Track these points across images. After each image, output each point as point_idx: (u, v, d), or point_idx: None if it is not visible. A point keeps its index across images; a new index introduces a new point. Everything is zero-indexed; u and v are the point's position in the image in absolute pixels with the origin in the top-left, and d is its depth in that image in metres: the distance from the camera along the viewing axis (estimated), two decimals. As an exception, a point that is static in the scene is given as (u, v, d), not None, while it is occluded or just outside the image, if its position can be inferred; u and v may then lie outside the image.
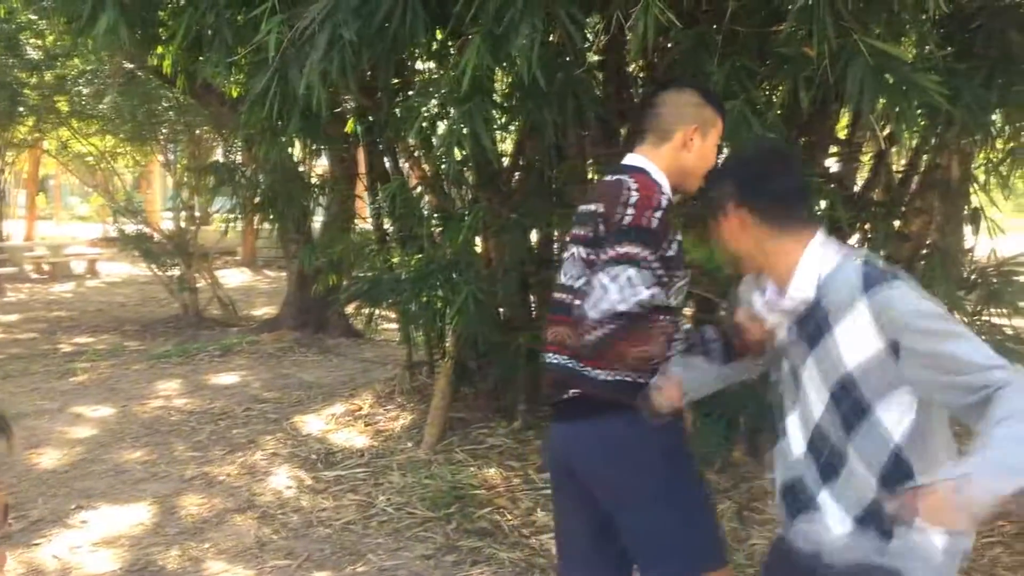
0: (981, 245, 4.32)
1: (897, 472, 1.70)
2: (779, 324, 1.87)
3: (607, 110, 4.52)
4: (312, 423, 5.48)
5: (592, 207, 2.09)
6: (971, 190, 4.28)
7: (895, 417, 1.71)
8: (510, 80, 3.66)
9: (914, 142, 4.20)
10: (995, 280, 3.87)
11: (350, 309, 7.10)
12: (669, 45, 3.79)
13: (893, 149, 4.60)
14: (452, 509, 3.99)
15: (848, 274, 1.73)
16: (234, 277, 14.56)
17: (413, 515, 3.97)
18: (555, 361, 2.16)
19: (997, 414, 1.52)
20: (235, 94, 5.81)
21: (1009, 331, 3.88)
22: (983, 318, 3.93)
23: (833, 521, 1.79)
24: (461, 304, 4.37)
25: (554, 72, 3.34)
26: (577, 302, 2.02)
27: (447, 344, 5.05)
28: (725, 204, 1.89)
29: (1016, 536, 3.97)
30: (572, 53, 3.30)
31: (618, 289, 1.90)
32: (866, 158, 4.71)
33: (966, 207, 4.39)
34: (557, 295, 2.19)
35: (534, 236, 5.04)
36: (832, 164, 4.49)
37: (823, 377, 1.77)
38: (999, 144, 4.06)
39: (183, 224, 10.20)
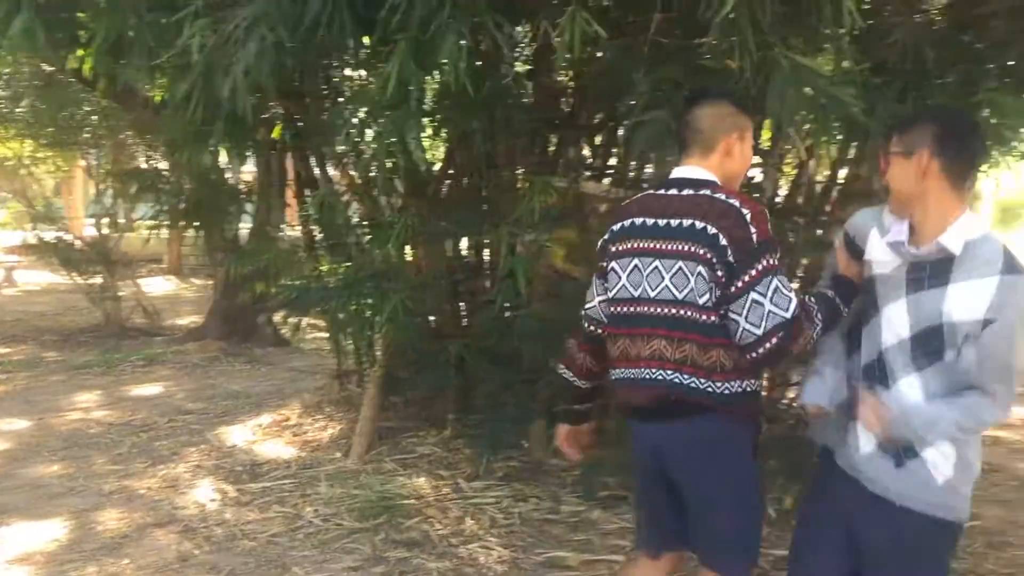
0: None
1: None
2: (887, 262, 2.15)
3: (537, 119, 4.56)
4: (238, 434, 5.38)
5: (682, 222, 2.24)
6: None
7: (961, 368, 2.05)
8: (438, 88, 3.65)
9: (834, 153, 4.30)
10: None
11: (278, 318, 7.00)
12: (598, 55, 3.82)
13: (813, 160, 4.72)
14: (380, 520, 3.96)
15: (994, 249, 2.03)
16: (159, 285, 14.23)
17: (340, 526, 3.92)
18: (653, 376, 2.28)
19: (963, 403, 2.03)
20: (159, 99, 5.68)
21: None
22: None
23: (863, 442, 2.18)
24: (390, 313, 4.34)
25: (482, 80, 3.34)
26: (712, 319, 2.20)
27: (377, 353, 5.01)
28: (919, 148, 2.06)
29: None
30: (500, 62, 3.30)
31: (775, 302, 2.15)
32: (788, 168, 4.80)
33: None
34: (644, 309, 2.29)
35: (465, 244, 5.05)
36: (755, 174, 4.57)
37: (911, 316, 2.09)
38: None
39: (105, 231, 9.94)
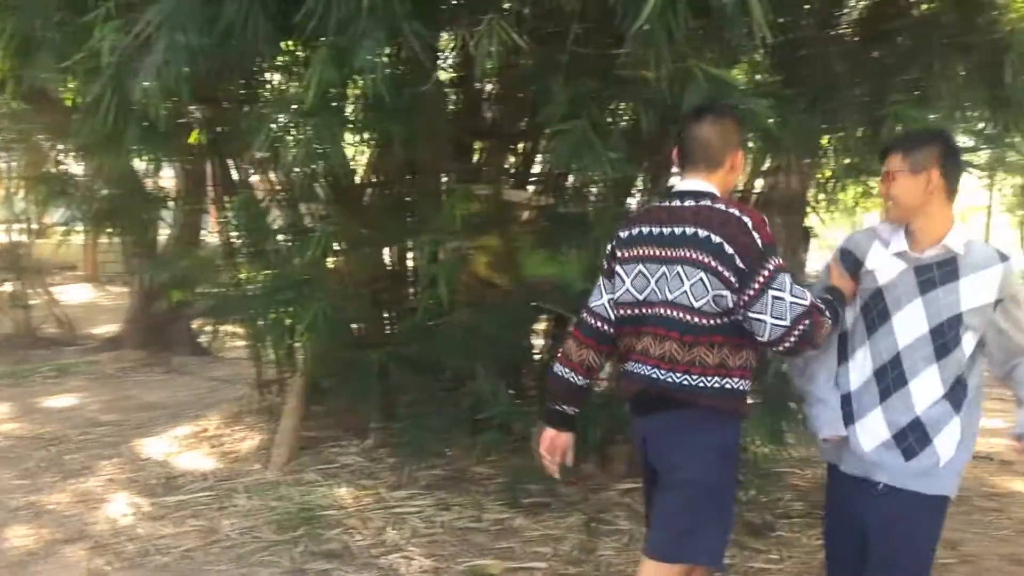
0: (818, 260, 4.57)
1: (958, 387, 2.40)
2: (892, 269, 2.40)
3: (459, 126, 4.56)
4: (154, 446, 5.24)
5: (684, 230, 2.37)
6: (807, 209, 4.53)
7: (966, 352, 2.37)
8: (358, 94, 3.62)
9: (751, 164, 4.40)
10: (824, 294, 4.07)
11: (198, 326, 6.86)
12: (519, 64, 3.83)
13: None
14: (300, 531, 3.89)
15: (984, 245, 2.42)
16: (75, 293, 13.78)
17: (259, 539, 3.85)
18: (638, 371, 2.45)
19: None
20: (70, 102, 5.52)
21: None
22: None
23: (864, 442, 2.43)
24: (311, 321, 4.29)
25: (402, 88, 3.33)
26: (697, 320, 2.35)
27: (298, 362, 4.94)
28: (928, 167, 2.35)
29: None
30: (420, 69, 3.29)
31: (794, 294, 2.30)
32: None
33: (805, 225, 4.64)
34: (645, 311, 2.45)
35: (389, 252, 5.02)
36: (676, 183, 4.65)
37: (928, 314, 2.37)
38: (828, 166, 4.32)
39: (17, 237, 9.61)
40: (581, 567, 3.72)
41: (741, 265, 2.29)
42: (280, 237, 4.65)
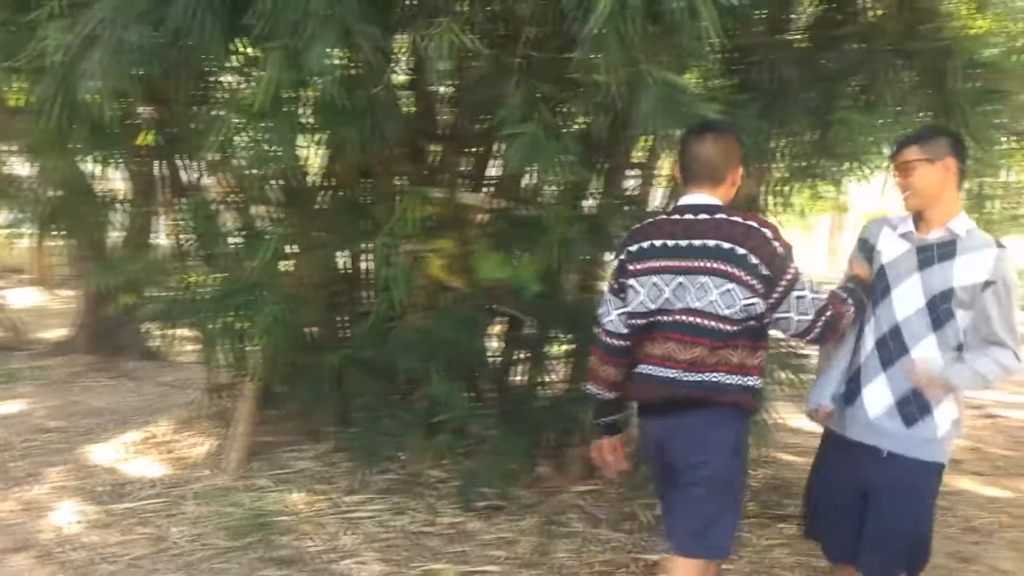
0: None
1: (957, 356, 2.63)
2: (897, 249, 2.68)
3: (414, 129, 4.54)
4: (103, 453, 5.14)
5: (706, 243, 2.55)
6: (760, 211, 4.56)
7: (960, 327, 2.60)
8: (311, 96, 3.59)
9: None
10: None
11: (148, 330, 6.75)
12: (473, 67, 3.83)
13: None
14: (253, 538, 3.85)
15: (985, 234, 2.64)
16: (23, 297, 13.49)
17: (209, 546, 3.80)
18: (664, 375, 2.62)
19: (991, 354, 2.58)
20: (16, 102, 5.41)
21: (784, 344, 4.15)
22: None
23: (871, 411, 2.68)
24: (264, 325, 4.25)
25: (355, 90, 3.31)
26: (725, 327, 2.53)
27: (251, 366, 4.88)
28: (945, 156, 2.62)
29: (794, 538, 4.25)
30: (373, 72, 3.27)
31: (814, 291, 2.57)
32: (663, 181, 4.92)
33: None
34: (662, 318, 2.61)
35: (345, 255, 4.98)
36: (630, 186, 4.68)
37: (924, 288, 2.61)
38: (780, 169, 4.36)
39: (-39, 240, 9.37)
40: (536, 569, 3.73)
41: (767, 272, 2.51)
42: (232, 240, 4.59)
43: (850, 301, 2.68)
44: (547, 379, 4.64)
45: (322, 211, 4.71)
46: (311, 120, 3.81)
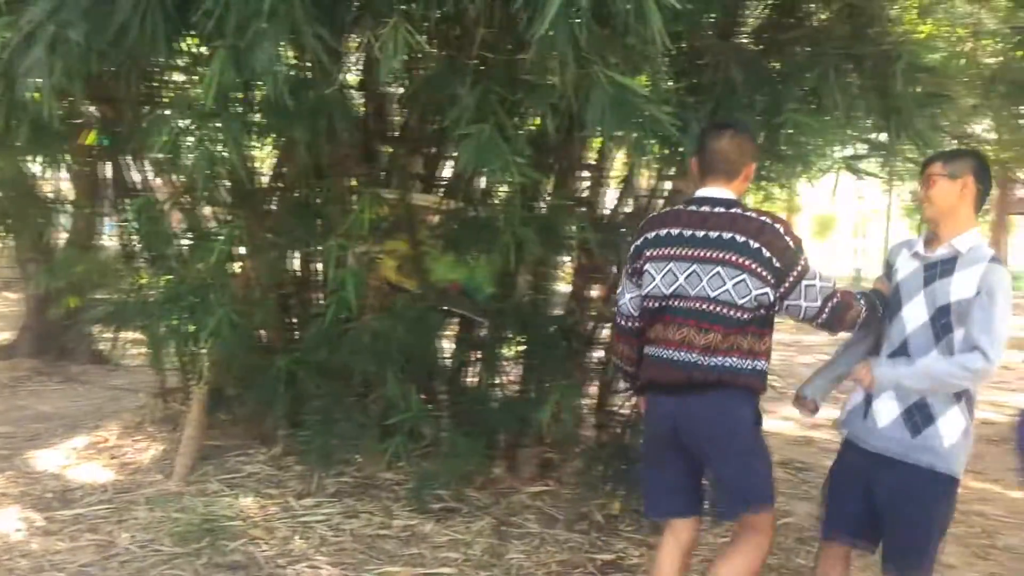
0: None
1: None
2: (909, 267, 2.82)
3: (367, 130, 4.52)
4: (49, 458, 5.03)
5: (722, 235, 2.73)
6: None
7: (957, 339, 2.68)
8: (259, 96, 3.55)
9: (655, 168, 4.47)
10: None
11: (96, 333, 6.63)
12: (425, 68, 3.82)
13: (641, 174, 4.89)
14: (203, 543, 3.79)
15: (984, 250, 2.74)
16: (-34, 300, 13.20)
17: (159, 552, 3.73)
18: (681, 358, 2.77)
19: (958, 358, 2.64)
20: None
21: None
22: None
23: (880, 419, 2.79)
24: (215, 327, 4.19)
25: (304, 90, 3.28)
26: (738, 315, 2.71)
27: (202, 369, 4.81)
28: (964, 174, 2.76)
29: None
30: (323, 72, 3.24)
31: (822, 280, 2.78)
32: (614, 182, 4.95)
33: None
34: (677, 303, 2.78)
35: (297, 256, 4.94)
36: (582, 188, 4.69)
37: (928, 304, 2.73)
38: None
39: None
40: (491, 571, 3.72)
41: (778, 265, 2.71)
42: (180, 241, 4.53)
43: (861, 298, 2.86)
44: (501, 380, 4.63)
45: (273, 212, 4.66)
46: (260, 120, 3.76)
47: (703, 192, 2.86)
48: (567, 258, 4.74)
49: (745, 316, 2.73)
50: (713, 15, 3.85)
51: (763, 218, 2.75)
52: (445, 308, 4.58)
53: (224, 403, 4.95)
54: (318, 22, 2.87)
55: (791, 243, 2.73)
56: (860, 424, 2.88)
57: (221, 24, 2.81)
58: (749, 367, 2.76)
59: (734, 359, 2.74)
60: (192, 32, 3.20)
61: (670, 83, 3.46)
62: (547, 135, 3.59)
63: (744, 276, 2.70)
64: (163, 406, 5.42)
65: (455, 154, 4.20)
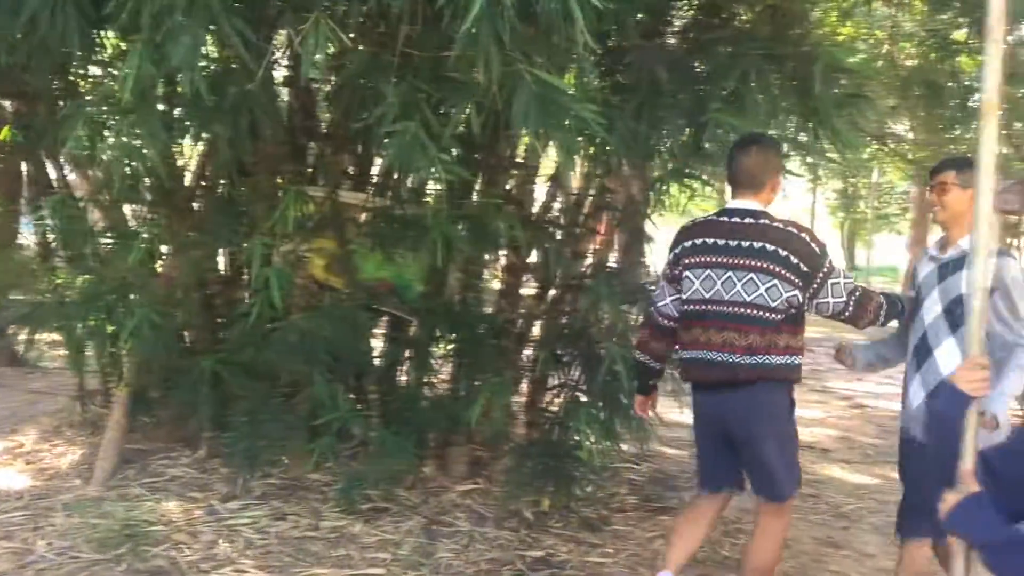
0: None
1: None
2: (926, 269, 3.11)
3: (293, 127, 4.45)
4: (-36, 465, 4.86)
5: (753, 244, 3.03)
6: (641, 212, 4.64)
7: None
8: (181, 91, 3.47)
9: (583, 167, 4.50)
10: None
11: (13, 335, 6.42)
12: (350, 64, 3.77)
13: (572, 173, 4.91)
14: (123, 549, 3.69)
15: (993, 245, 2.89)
16: None
17: (78, 559, 3.63)
18: (725, 359, 3.06)
19: (1018, 358, 2.93)
20: None
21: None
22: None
23: (915, 397, 3.05)
24: (135, 328, 4.09)
25: (226, 86, 3.21)
26: (773, 316, 3.01)
27: (123, 371, 4.70)
28: (974, 183, 2.90)
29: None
30: (244, 67, 3.18)
31: (845, 278, 3.14)
32: (543, 181, 4.96)
33: (640, 227, 4.77)
34: (717, 308, 3.07)
35: (222, 255, 4.85)
36: (512, 186, 4.70)
37: (942, 298, 3.00)
38: (656, 170, 4.44)
39: None
40: (419, 571, 3.71)
41: (805, 269, 3.02)
42: (100, 240, 4.41)
43: (881, 298, 3.19)
44: (432, 379, 4.61)
45: (196, 210, 4.56)
46: (180, 116, 3.68)
47: (733, 204, 3.16)
48: (497, 256, 4.74)
49: (779, 317, 3.03)
50: (639, 15, 3.88)
51: (789, 228, 3.07)
52: (374, 307, 4.54)
53: (146, 405, 4.83)
54: (237, 16, 2.81)
55: (816, 249, 3.06)
56: (903, 411, 3.17)
57: (136, 17, 2.73)
58: (786, 362, 3.08)
59: (772, 356, 3.04)
60: (108, 25, 3.10)
61: (596, 82, 3.48)
62: (475, 133, 3.58)
63: (775, 281, 3.00)
64: (83, 409, 5.27)
65: (383, 151, 4.17)
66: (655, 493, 4.83)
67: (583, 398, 4.23)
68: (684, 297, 3.17)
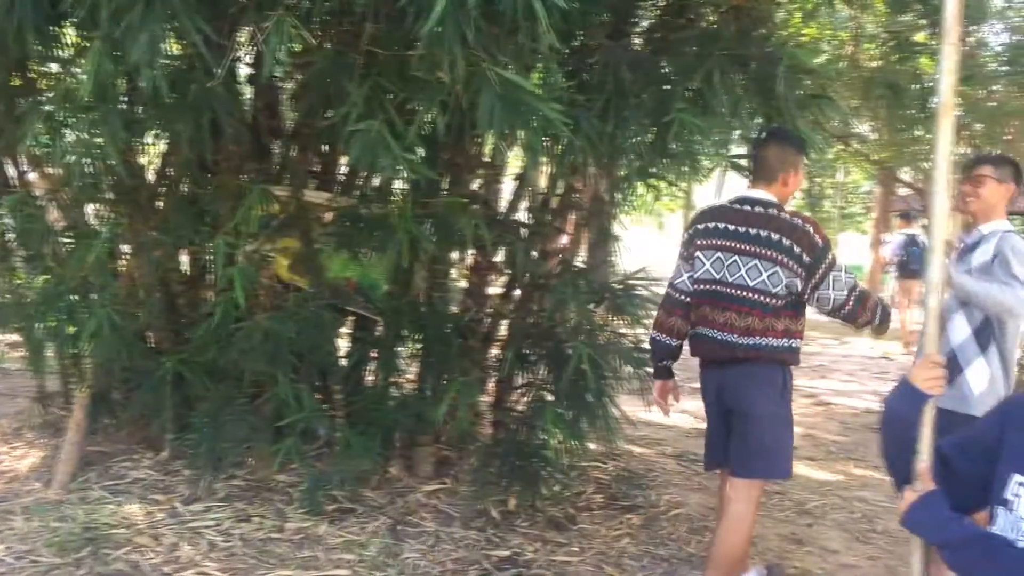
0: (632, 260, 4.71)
1: (982, 333, 3.44)
2: (953, 260, 3.53)
3: (257, 125, 4.41)
4: (-81, 469, 4.76)
5: (759, 232, 3.26)
6: (611, 211, 4.65)
7: None
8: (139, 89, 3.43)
9: (550, 167, 4.49)
10: (619, 294, 4.23)
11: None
12: (312, 63, 3.74)
13: (538, 172, 4.90)
14: (84, 553, 3.64)
15: (1002, 225, 3.49)
16: None
17: (37, 563, 3.57)
18: (724, 338, 3.33)
19: (987, 286, 3.34)
20: None
21: (630, 339, 4.26)
22: (610, 328, 4.28)
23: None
24: (96, 329, 4.04)
25: (187, 84, 3.18)
26: (773, 302, 3.25)
27: (84, 372, 4.63)
28: (1008, 179, 3.48)
29: (641, 528, 4.37)
30: (205, 65, 3.15)
31: (847, 273, 3.29)
32: (510, 179, 4.95)
33: (606, 226, 4.78)
34: (722, 289, 3.33)
35: (184, 255, 4.79)
36: (477, 185, 4.69)
37: (960, 273, 3.37)
38: (622, 169, 4.46)
39: None
40: (385, 571, 3.69)
41: (807, 259, 3.21)
42: (60, 239, 4.34)
43: (879, 297, 3.47)
44: (397, 379, 4.59)
45: (159, 209, 4.50)
46: (140, 114, 3.63)
47: (748, 193, 3.39)
48: (464, 255, 4.73)
49: (779, 303, 3.25)
50: (604, 15, 3.88)
51: (796, 220, 3.25)
52: (340, 306, 4.51)
53: (108, 407, 4.77)
54: (198, 13, 2.78)
55: (820, 241, 3.23)
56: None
57: (95, 13, 2.69)
58: (784, 345, 3.29)
59: (769, 339, 3.25)
60: (66, 21, 3.05)
61: (561, 82, 3.48)
62: (440, 132, 3.57)
63: (777, 268, 3.22)
64: (43, 411, 5.18)
65: (347, 150, 4.14)
66: (622, 492, 4.84)
67: (550, 397, 4.23)
68: (695, 276, 3.43)
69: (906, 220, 12.16)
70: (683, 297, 3.54)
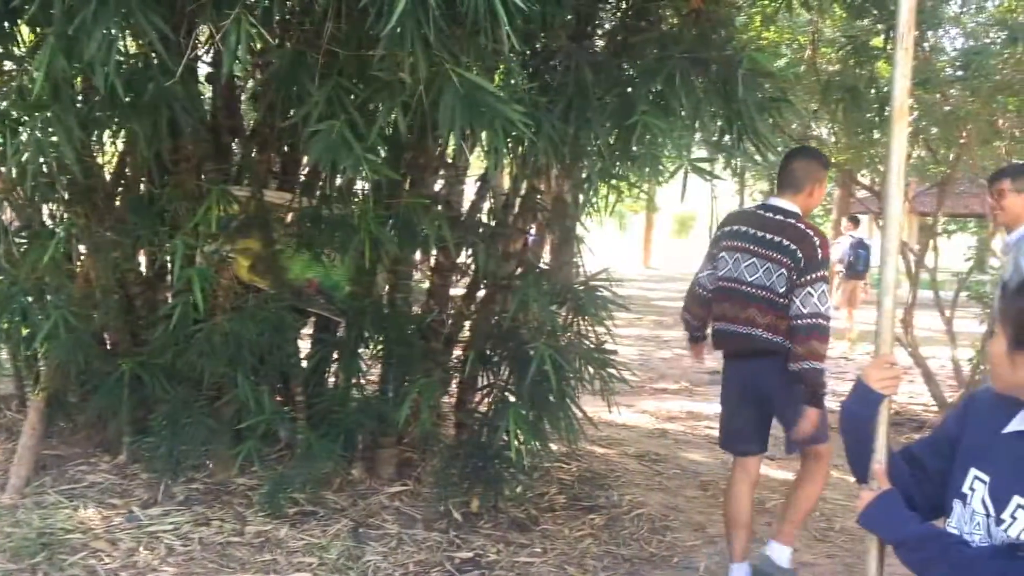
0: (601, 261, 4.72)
1: None
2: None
3: (216, 125, 4.37)
4: None
5: (773, 237, 3.55)
6: (573, 212, 4.65)
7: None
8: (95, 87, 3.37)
9: (512, 168, 4.49)
10: (582, 295, 4.24)
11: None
12: (272, 62, 3.71)
13: (500, 173, 4.90)
14: (38, 558, 3.58)
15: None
16: None
17: (-10, 570, 3.51)
18: (748, 332, 3.61)
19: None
20: None
21: (592, 340, 4.27)
22: (573, 328, 4.29)
23: None
24: (51, 330, 3.98)
25: (144, 82, 3.13)
26: (783, 301, 3.51)
27: (39, 375, 4.55)
28: None
29: (603, 528, 4.39)
30: (163, 64, 3.10)
31: (818, 301, 3.46)
32: (472, 180, 4.94)
33: (569, 228, 4.79)
34: (742, 288, 3.62)
35: (142, 255, 4.73)
36: (440, 186, 4.68)
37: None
38: (584, 171, 4.46)
39: None
40: (347, 574, 3.67)
41: (802, 264, 3.46)
42: (15, 239, 4.26)
43: (822, 367, 3.54)
44: (359, 380, 4.56)
45: (116, 208, 4.43)
46: (95, 112, 3.57)
47: (772, 201, 3.72)
48: (426, 256, 4.71)
49: (785, 302, 3.50)
50: (566, 17, 3.89)
51: (808, 231, 3.52)
52: (301, 307, 4.48)
53: (64, 410, 4.70)
54: (154, 11, 2.73)
55: (820, 255, 3.48)
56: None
57: (48, 9, 2.64)
58: (786, 342, 3.51)
59: (779, 335, 3.52)
60: (19, 17, 2.99)
61: (523, 83, 3.48)
62: (402, 133, 3.56)
63: (783, 271, 3.49)
64: (-3, 415, 5.10)
65: (308, 151, 4.11)
66: (584, 492, 4.86)
67: (512, 398, 4.23)
68: (719, 275, 3.74)
69: (854, 223, 12.81)
70: (704, 292, 3.89)
